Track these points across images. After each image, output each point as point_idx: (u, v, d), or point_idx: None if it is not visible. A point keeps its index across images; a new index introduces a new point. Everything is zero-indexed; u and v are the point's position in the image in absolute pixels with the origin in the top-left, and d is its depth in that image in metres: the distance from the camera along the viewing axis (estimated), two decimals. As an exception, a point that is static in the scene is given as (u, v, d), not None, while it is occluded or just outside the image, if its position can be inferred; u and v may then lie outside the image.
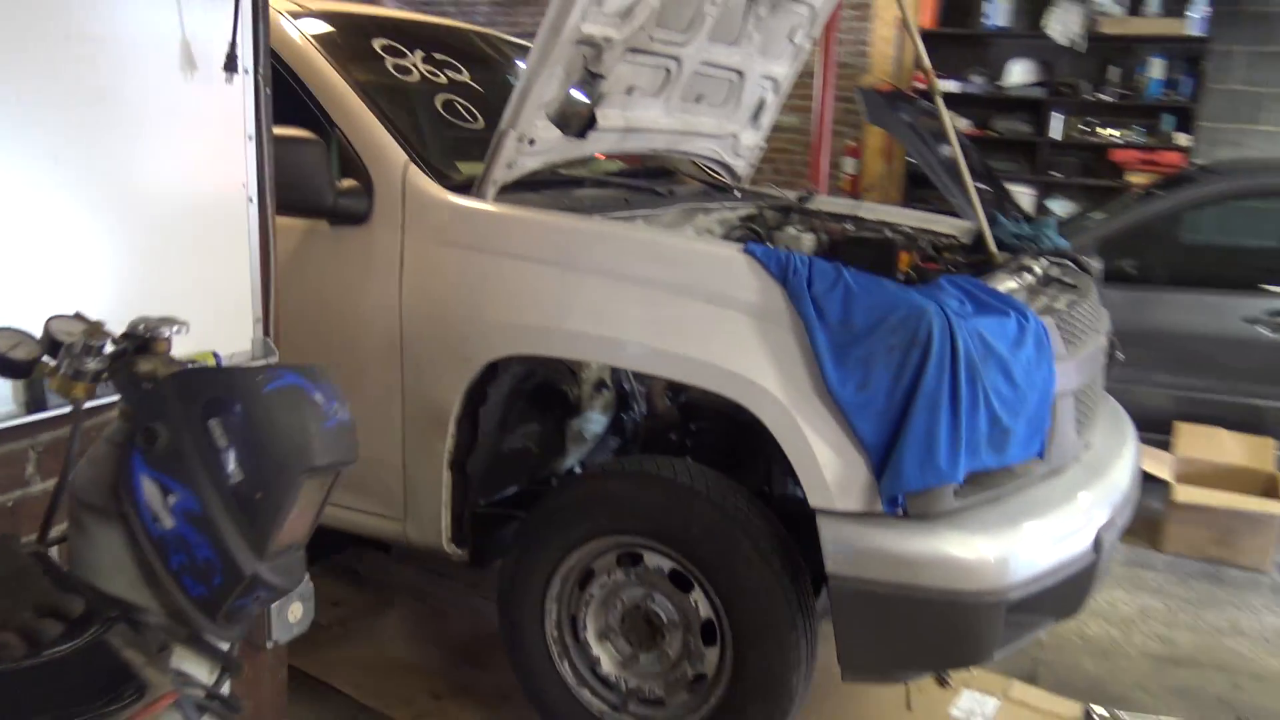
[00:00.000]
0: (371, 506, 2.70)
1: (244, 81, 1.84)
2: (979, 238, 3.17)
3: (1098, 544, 2.25)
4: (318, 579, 3.67)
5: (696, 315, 2.19)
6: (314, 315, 2.63)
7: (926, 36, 7.56)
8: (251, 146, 1.88)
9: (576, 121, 2.63)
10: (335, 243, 2.60)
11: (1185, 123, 6.86)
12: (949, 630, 2.06)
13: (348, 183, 2.56)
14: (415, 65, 2.97)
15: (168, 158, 1.74)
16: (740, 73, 3.38)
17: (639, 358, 2.27)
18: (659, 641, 2.41)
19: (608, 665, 2.47)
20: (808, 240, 3.27)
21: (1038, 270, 2.78)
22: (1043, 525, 2.16)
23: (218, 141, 1.82)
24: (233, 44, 1.75)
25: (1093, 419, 2.59)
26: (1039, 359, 2.18)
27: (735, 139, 3.62)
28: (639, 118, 2.99)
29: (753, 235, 3.26)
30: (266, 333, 1.97)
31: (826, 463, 2.07)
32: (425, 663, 3.16)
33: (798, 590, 2.22)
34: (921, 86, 7.36)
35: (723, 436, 2.68)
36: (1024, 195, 7.03)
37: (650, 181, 3.17)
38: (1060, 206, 7.07)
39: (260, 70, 1.87)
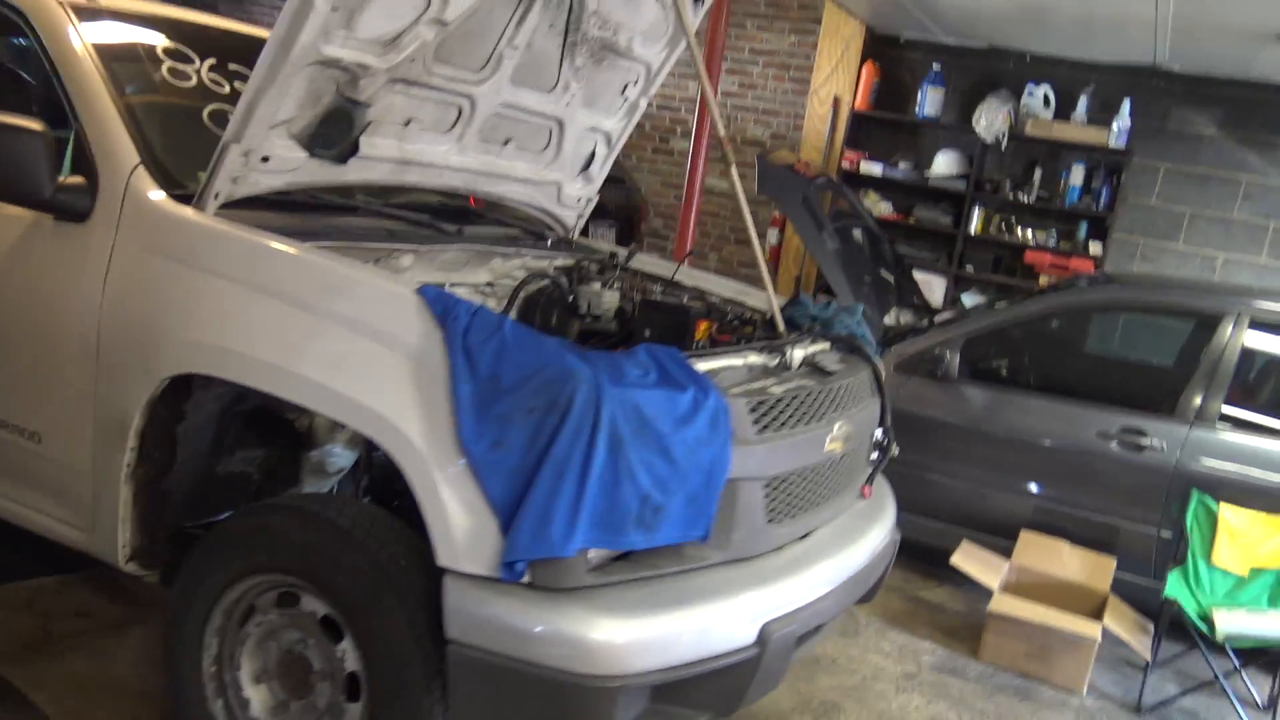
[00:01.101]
0: (61, 512, 2.59)
1: None
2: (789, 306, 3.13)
3: (763, 639, 2.14)
4: (72, 587, 3.59)
5: (358, 351, 2.11)
6: (25, 306, 2.55)
7: (860, 119, 7.62)
8: None
9: (326, 144, 2.58)
10: (56, 239, 2.52)
11: (1100, 232, 6.85)
12: (561, 713, 1.95)
13: (73, 179, 2.49)
14: (198, 73, 2.91)
15: None
16: (560, 121, 3.33)
17: (297, 389, 2.18)
18: (309, 690, 2.29)
19: (259, 710, 2.35)
20: (609, 297, 3.20)
21: (797, 353, 2.70)
22: (690, 613, 2.06)
23: None
24: None
25: (813, 509, 2.49)
26: (710, 438, 2.08)
27: (558, 188, 3.56)
28: (420, 151, 2.93)
29: (552, 286, 3.19)
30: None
31: (456, 520, 1.97)
32: (145, 685, 3.02)
33: (439, 655, 2.11)
34: (848, 168, 7.38)
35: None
36: (935, 286, 7.00)
37: (441, 220, 3.10)
38: (971, 299, 7.03)
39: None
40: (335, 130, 2.60)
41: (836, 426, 2.53)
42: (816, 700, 3.51)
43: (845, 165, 7.42)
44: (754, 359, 2.55)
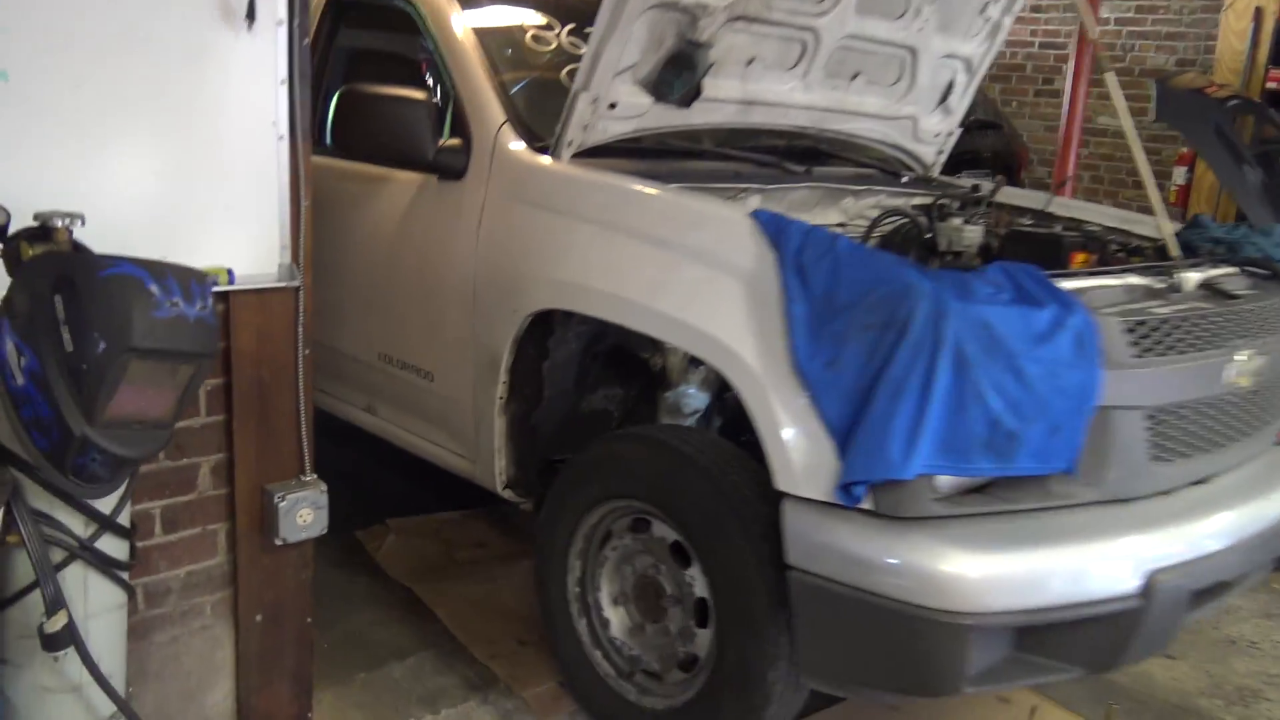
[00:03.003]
0: (452, 444, 2.87)
1: (277, 32, 2.05)
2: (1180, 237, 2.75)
3: (1148, 589, 1.88)
4: (472, 520, 4.00)
5: (694, 277, 2.12)
6: (416, 262, 2.85)
7: (1290, 29, 6.48)
8: (283, 90, 2.09)
9: (671, 89, 2.63)
10: (439, 196, 2.79)
11: None
12: (906, 650, 1.83)
13: (451, 141, 2.75)
14: (558, 38, 3.09)
15: (195, 94, 2.00)
16: (912, 49, 3.15)
17: (634, 315, 2.23)
18: (661, 614, 2.35)
19: (618, 630, 2.45)
20: (971, 232, 2.99)
21: (1191, 275, 2.35)
22: (1059, 552, 1.85)
23: (247, 84, 2.05)
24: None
25: (1212, 450, 2.15)
26: (1075, 360, 1.85)
27: (914, 122, 3.37)
28: (764, 91, 2.90)
29: (909, 223, 3.04)
30: (294, 260, 2.18)
31: (793, 443, 1.92)
32: (527, 612, 3.30)
33: (781, 582, 2.08)
34: (1275, 88, 6.35)
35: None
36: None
37: (789, 160, 3.05)
38: None
39: (296, 22, 2.08)
40: (679, 74, 2.64)
41: (1242, 356, 2.15)
42: (1231, 685, 3.05)
43: (1272, 86, 6.37)
44: (1135, 280, 2.24)
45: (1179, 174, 6.74)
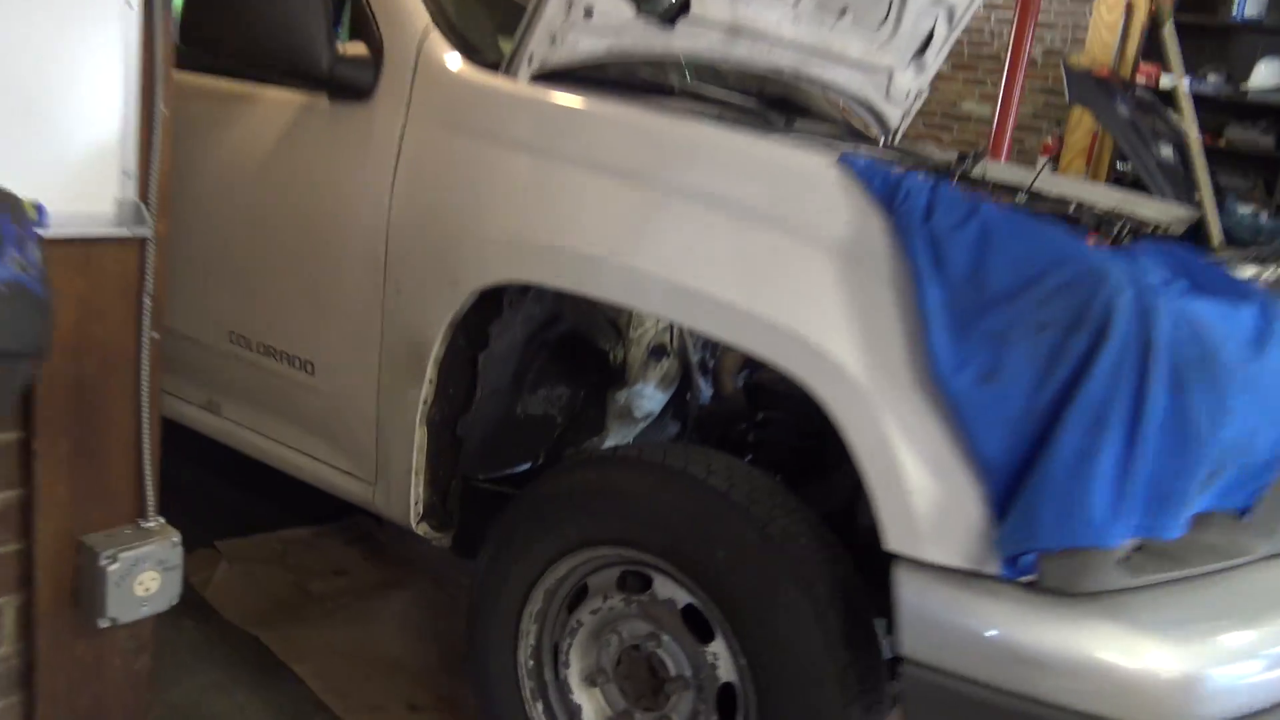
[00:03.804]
0: (338, 459, 2.14)
1: None
2: (1196, 227, 2.36)
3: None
4: (326, 540, 3.22)
5: (757, 247, 1.50)
6: (293, 212, 2.09)
7: (1159, 24, 6.50)
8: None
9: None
10: (331, 122, 2.03)
11: None
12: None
13: (353, 47, 2.00)
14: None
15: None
16: (904, -14, 2.65)
17: (663, 299, 1.60)
18: (662, 701, 1.74)
19: (591, 718, 1.82)
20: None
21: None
22: (1270, 630, 1.38)
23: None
24: None
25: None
26: (1285, 372, 1.38)
27: (889, 77, 2.88)
28: (754, 18, 2.30)
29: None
30: (143, 196, 1.41)
31: (918, 484, 1.35)
32: (416, 662, 2.59)
33: (863, 669, 1.52)
34: (1144, 84, 6.34)
35: (799, 434, 1.98)
36: (1249, 219, 5.91)
37: (764, 108, 2.48)
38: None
39: None
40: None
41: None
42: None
43: (1142, 81, 6.37)
44: (1249, 270, 1.82)
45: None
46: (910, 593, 1.35)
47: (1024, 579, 1.31)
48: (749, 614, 1.55)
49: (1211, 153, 6.32)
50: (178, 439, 2.75)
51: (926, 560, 1.34)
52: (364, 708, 2.36)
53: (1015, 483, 1.28)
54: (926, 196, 1.38)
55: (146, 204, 1.41)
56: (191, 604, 2.72)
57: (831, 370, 1.40)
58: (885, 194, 1.40)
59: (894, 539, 1.37)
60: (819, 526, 1.61)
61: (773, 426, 1.99)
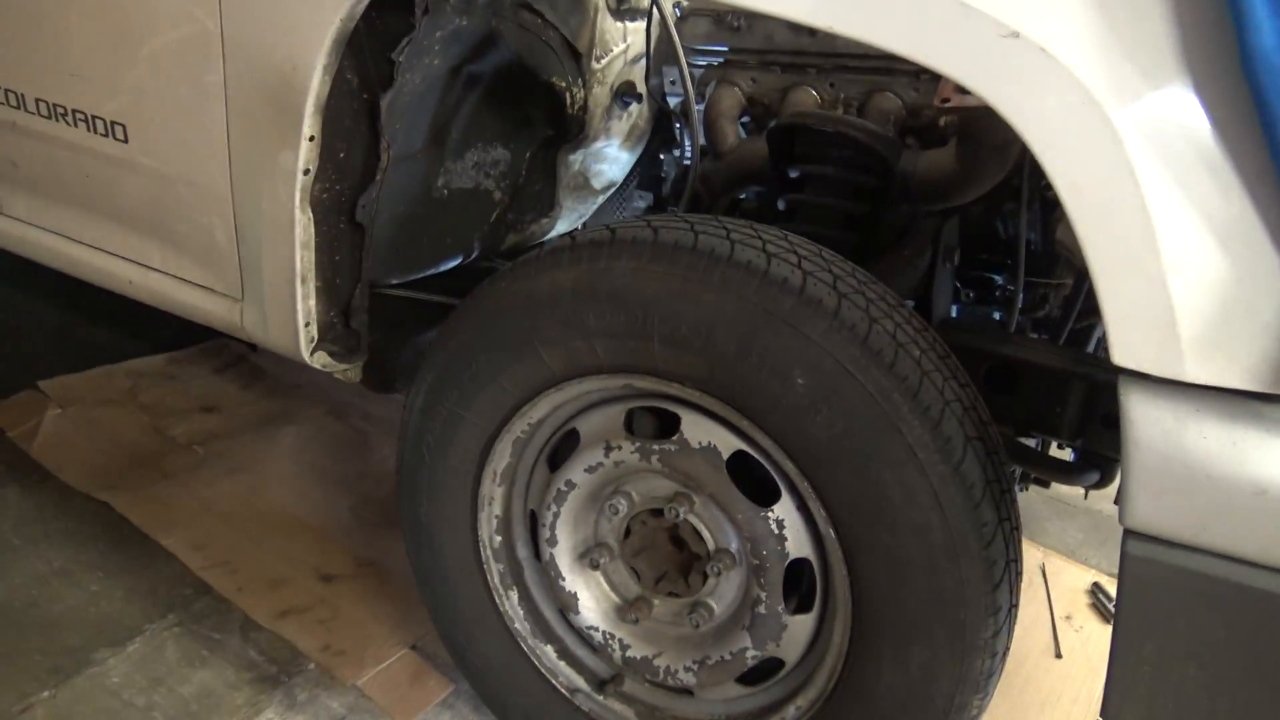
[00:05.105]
0: (184, 268, 1.47)
1: None
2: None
3: None
4: (187, 368, 2.56)
5: None
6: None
7: None
8: None
9: None
10: None
11: None
12: None
13: None
14: None
15: None
16: None
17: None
18: (694, 581, 1.23)
19: (591, 609, 1.29)
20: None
21: None
22: None
23: None
24: None
25: None
26: None
27: None
28: None
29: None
30: None
31: (1184, 260, 0.80)
32: (320, 518, 2.04)
33: (1007, 538, 1.03)
34: None
35: (854, 198, 1.42)
36: None
37: None
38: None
39: None
40: None
41: None
42: None
43: None
44: None
45: None
46: (1155, 432, 0.83)
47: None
48: (844, 462, 1.02)
49: None
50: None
51: (1186, 380, 0.81)
52: (260, 583, 1.82)
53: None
54: None
55: None
56: (14, 466, 2.08)
57: (1042, 72, 0.81)
58: None
59: (1133, 348, 0.83)
60: (936, 336, 1.07)
61: (816, 185, 1.40)
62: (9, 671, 1.54)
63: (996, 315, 1.68)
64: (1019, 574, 1.09)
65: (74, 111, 1.47)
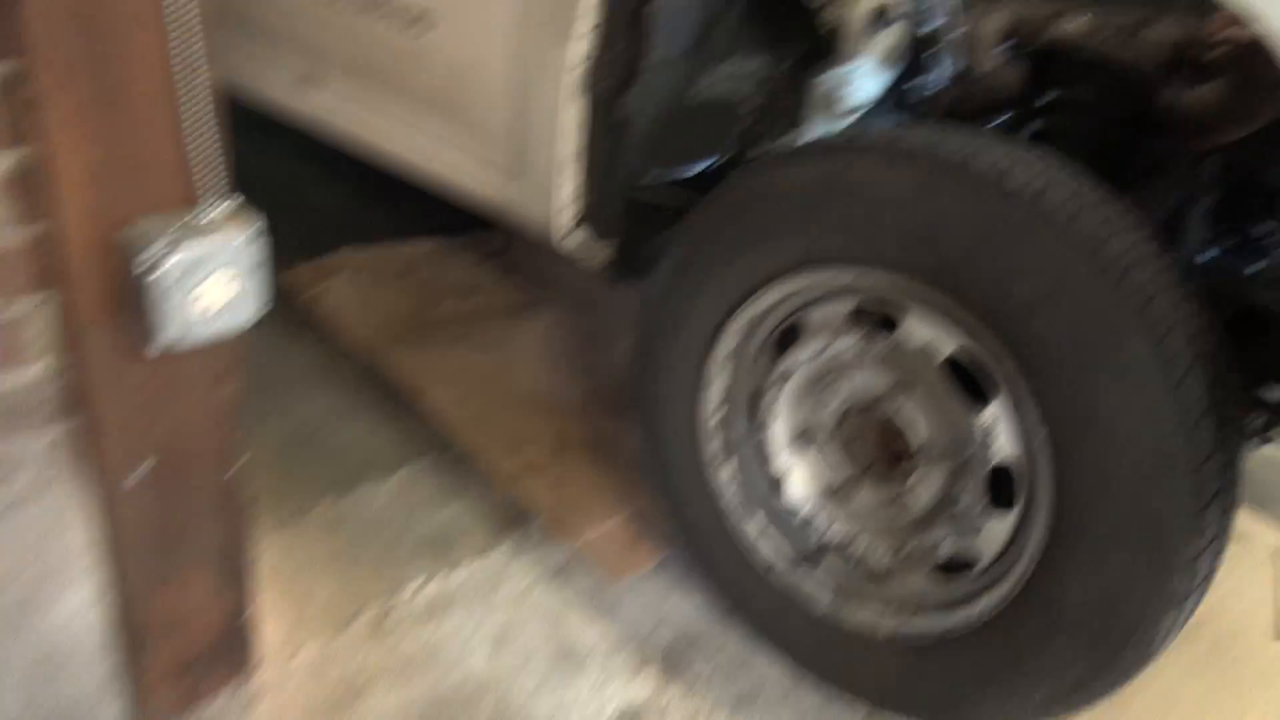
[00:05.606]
0: (462, 144, 1.65)
1: None
2: None
3: None
4: (452, 256, 2.83)
5: None
6: None
7: None
8: None
9: None
10: None
11: None
12: None
13: None
14: None
15: None
16: None
17: None
18: (900, 473, 1.30)
19: (799, 489, 1.39)
20: None
21: None
22: None
23: None
24: None
25: None
26: None
27: None
28: None
29: None
30: None
31: None
32: (559, 396, 2.23)
33: (1225, 465, 1.04)
34: None
35: (1109, 123, 1.41)
36: None
37: None
38: None
39: None
40: None
41: None
42: None
43: None
44: None
45: None
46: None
47: None
48: (1065, 370, 1.05)
49: None
50: (270, 139, 2.34)
51: None
52: (503, 443, 2.02)
53: None
54: None
55: None
56: (303, 325, 2.39)
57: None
58: None
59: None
60: (1170, 261, 1.08)
61: (1068, 112, 1.40)
62: (295, 484, 1.82)
63: (1250, 270, 1.61)
64: (1233, 503, 1.09)
65: (388, 1, 1.67)
